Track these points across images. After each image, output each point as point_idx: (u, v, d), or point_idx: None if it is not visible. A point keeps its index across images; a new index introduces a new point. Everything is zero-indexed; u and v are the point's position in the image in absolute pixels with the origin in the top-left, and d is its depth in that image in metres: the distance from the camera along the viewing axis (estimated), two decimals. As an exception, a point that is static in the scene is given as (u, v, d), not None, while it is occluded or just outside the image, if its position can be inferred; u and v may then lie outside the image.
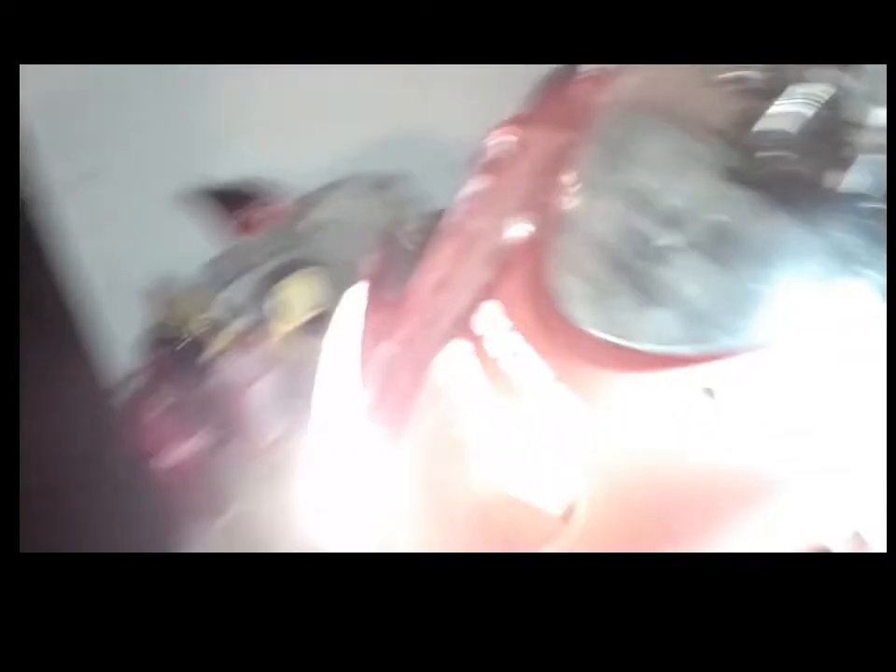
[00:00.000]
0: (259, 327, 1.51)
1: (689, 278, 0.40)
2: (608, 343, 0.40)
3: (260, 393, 1.62)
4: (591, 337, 0.40)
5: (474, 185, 0.53)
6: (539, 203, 0.46)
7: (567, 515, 0.40)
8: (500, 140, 0.52)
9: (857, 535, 0.36)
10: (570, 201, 0.44)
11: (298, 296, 1.45)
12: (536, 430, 0.42)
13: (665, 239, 0.40)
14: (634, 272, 0.41)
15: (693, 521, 0.38)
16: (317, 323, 1.44)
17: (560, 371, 0.40)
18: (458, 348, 0.45)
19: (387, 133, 1.35)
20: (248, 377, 1.56)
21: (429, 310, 0.50)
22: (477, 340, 0.44)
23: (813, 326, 0.36)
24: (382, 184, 1.49)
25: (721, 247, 0.39)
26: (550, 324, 0.42)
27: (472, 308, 0.45)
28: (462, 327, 0.46)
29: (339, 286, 1.37)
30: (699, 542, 0.38)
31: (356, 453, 0.52)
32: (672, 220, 0.40)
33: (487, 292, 0.45)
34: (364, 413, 0.52)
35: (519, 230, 0.46)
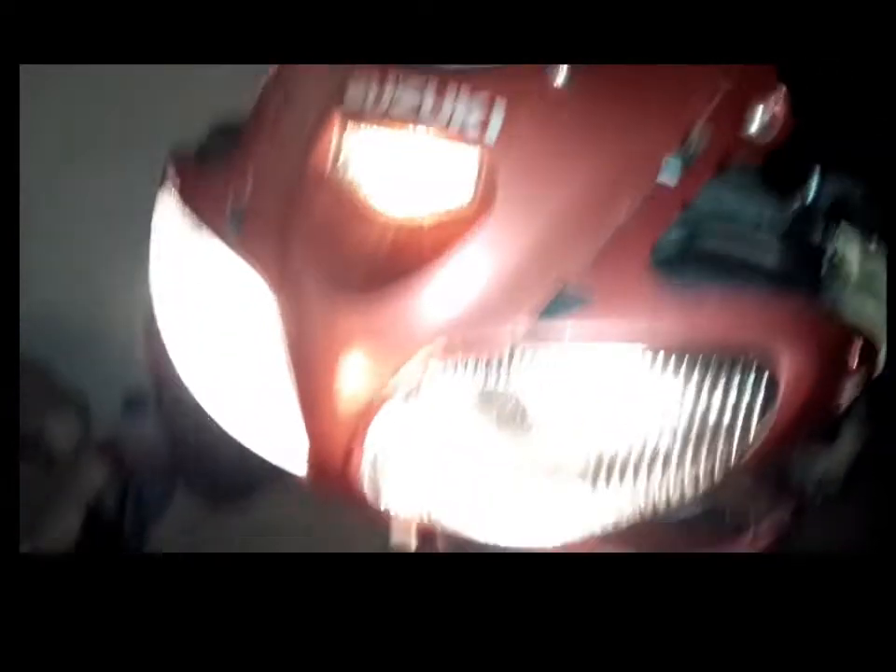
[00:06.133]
0: None
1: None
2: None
3: None
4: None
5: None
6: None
7: (474, 203, 0.47)
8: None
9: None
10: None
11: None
12: (429, 142, 0.48)
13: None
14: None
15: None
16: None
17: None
18: (336, 126, 0.50)
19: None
20: None
21: (280, 137, 0.54)
22: (354, 114, 0.50)
23: None
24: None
25: None
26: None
27: (336, 97, 0.50)
28: (332, 111, 0.50)
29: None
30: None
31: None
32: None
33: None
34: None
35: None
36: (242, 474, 1.59)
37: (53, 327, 1.48)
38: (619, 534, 0.47)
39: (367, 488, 0.47)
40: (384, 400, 0.45)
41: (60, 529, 1.28)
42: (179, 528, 1.53)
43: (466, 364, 0.44)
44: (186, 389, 1.70)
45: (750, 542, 0.55)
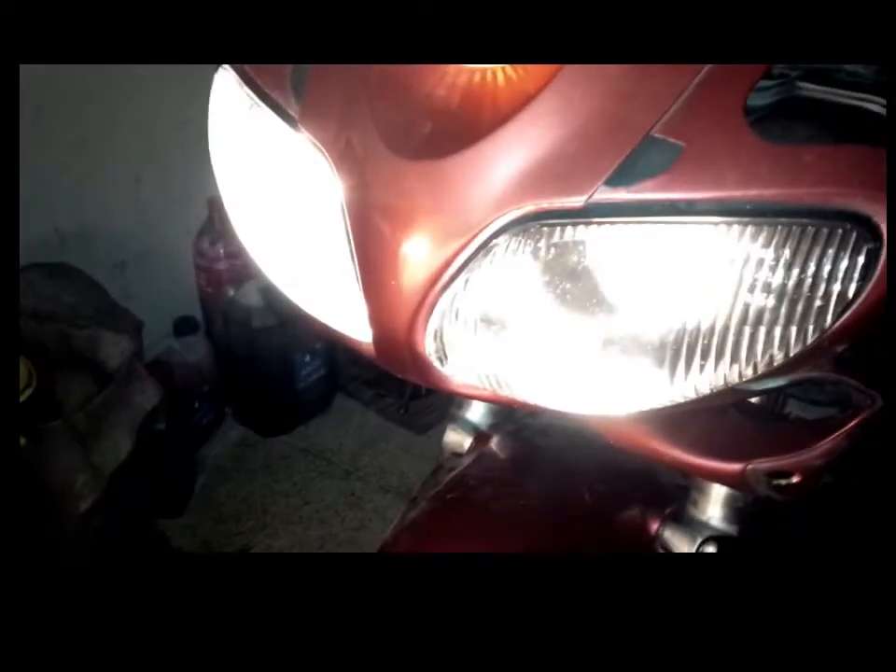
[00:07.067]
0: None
1: None
2: None
3: None
4: None
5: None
6: None
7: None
8: None
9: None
10: None
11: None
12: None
13: None
14: None
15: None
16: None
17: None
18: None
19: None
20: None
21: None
22: None
23: None
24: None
25: None
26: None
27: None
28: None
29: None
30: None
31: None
32: None
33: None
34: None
35: None
36: (287, 407, 1.60)
37: (109, 244, 1.48)
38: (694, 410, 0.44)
39: (432, 360, 0.44)
40: (450, 273, 0.42)
41: (113, 445, 1.28)
42: (229, 450, 1.54)
43: (537, 237, 0.40)
44: (235, 314, 1.66)
45: (831, 442, 0.51)
